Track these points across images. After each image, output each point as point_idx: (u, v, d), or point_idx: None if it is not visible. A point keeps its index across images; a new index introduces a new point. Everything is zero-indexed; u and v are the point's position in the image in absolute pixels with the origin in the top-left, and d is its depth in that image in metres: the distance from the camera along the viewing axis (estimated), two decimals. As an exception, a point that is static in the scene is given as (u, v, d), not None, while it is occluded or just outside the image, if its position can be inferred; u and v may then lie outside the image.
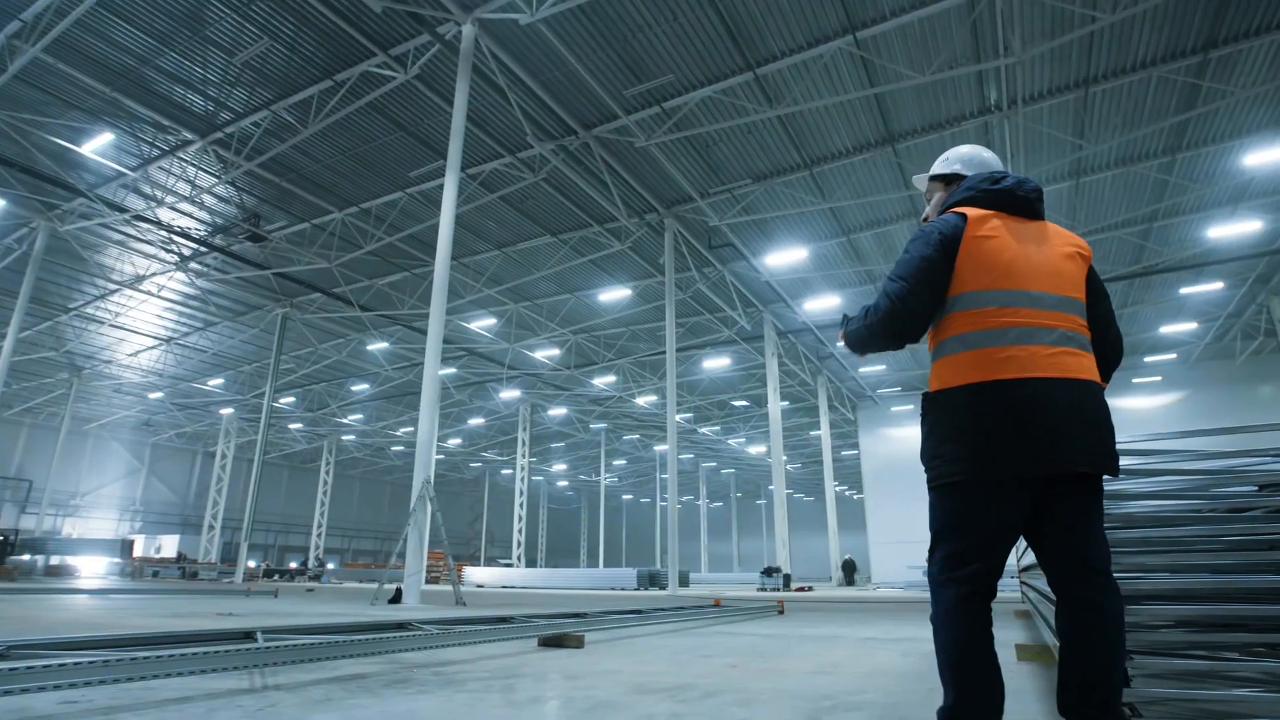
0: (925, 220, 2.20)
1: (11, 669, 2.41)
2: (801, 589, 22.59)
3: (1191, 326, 25.31)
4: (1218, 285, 21.66)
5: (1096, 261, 20.43)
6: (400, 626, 4.51)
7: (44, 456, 36.34)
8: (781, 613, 9.43)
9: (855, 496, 55.17)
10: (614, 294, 23.36)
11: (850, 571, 34.22)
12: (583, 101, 14.43)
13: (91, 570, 30.42)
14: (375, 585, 16.66)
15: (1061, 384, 1.73)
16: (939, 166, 2.26)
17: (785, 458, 50.79)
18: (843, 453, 46.10)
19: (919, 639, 5.63)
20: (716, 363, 30.04)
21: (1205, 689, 1.71)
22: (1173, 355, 28.38)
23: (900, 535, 31.89)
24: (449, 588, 15.79)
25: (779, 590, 21.01)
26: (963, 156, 2.20)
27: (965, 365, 1.79)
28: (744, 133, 15.40)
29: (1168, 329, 25.70)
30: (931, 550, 1.84)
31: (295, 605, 10.32)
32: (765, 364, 24.76)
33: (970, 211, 1.93)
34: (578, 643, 4.73)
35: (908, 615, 9.09)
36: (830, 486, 31.46)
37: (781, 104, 14.09)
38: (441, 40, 12.58)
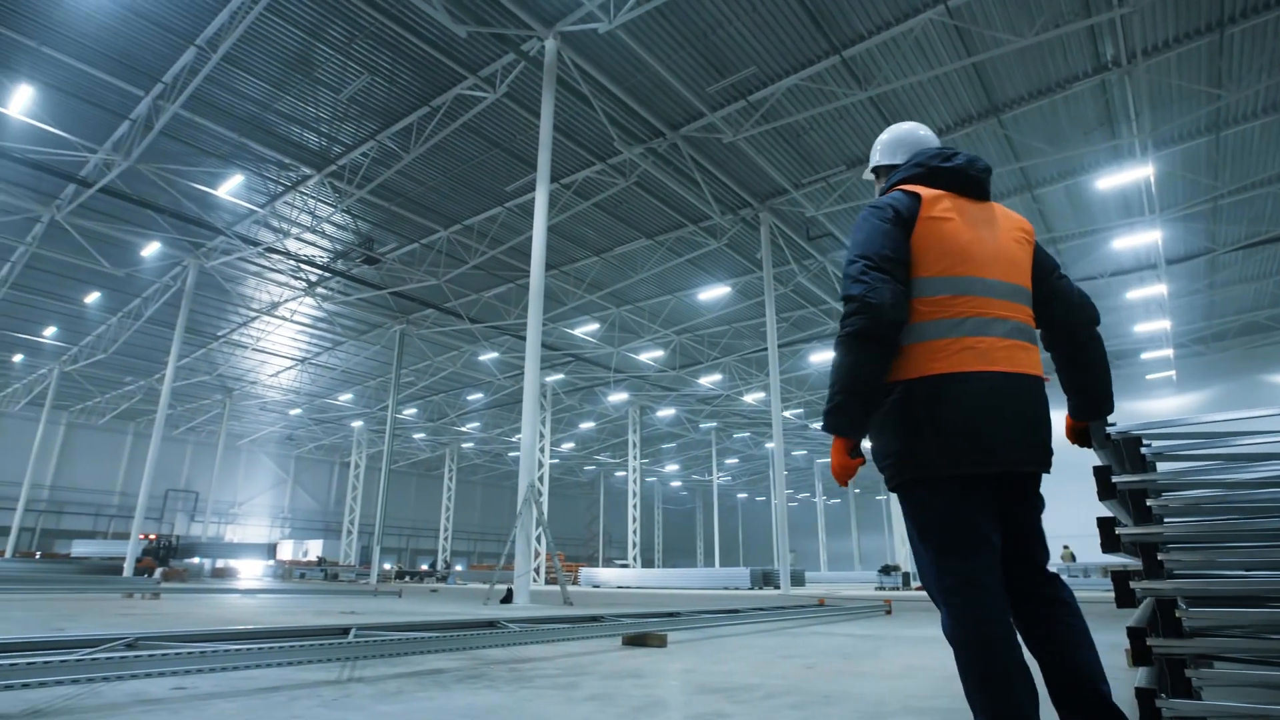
0: None
1: (122, 657, 2.70)
2: (921, 587, 21.58)
3: (1374, 288, 22.22)
4: (1405, 239, 18.91)
5: (1247, 224, 18.55)
6: (489, 625, 4.68)
7: (206, 470, 40.51)
8: (889, 613, 9.05)
9: (983, 490, 52.01)
10: (714, 292, 23.26)
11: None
12: (667, 102, 14.47)
13: (249, 572, 33.48)
14: (486, 586, 17.36)
15: (1015, 379, 1.66)
16: (881, 157, 2.11)
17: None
18: (966, 444, 43.63)
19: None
20: (824, 356, 29.24)
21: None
22: (1353, 322, 25.01)
23: (1033, 531, 29.81)
24: (566, 587, 16.11)
25: (898, 589, 20.17)
26: (901, 140, 2.05)
27: (922, 356, 1.67)
28: (835, 118, 14.93)
29: (1344, 293, 22.68)
30: (923, 560, 1.69)
31: (412, 605, 10.92)
32: (873, 355, 23.86)
33: (923, 191, 1.79)
34: (659, 642, 4.74)
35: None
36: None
37: (872, 84, 13.55)
38: (526, 57, 12.98)
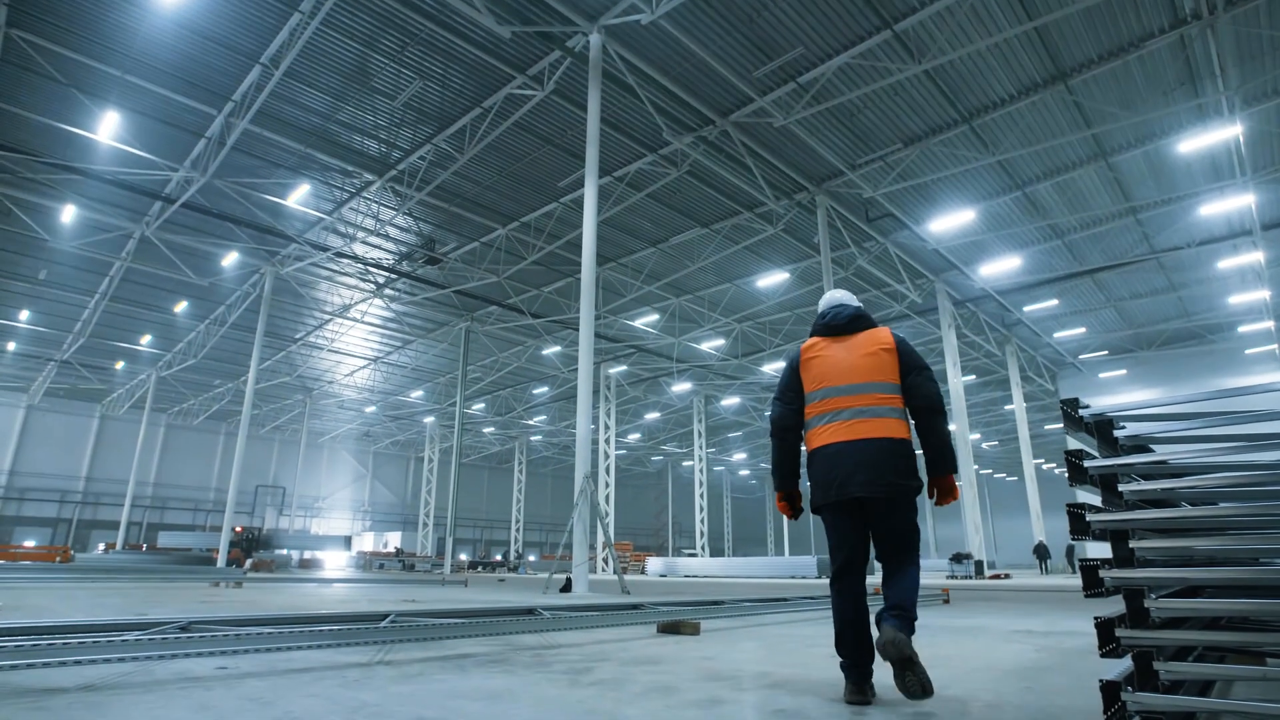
0: None
1: (175, 638, 2.93)
2: (997, 576, 20.82)
3: None
4: None
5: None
6: (527, 612, 4.82)
7: (291, 466, 42.71)
8: (946, 602, 8.80)
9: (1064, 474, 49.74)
10: (772, 279, 22.97)
11: (1069, 556, 31.07)
12: (714, 89, 14.35)
13: (333, 563, 35.16)
14: (546, 575, 17.71)
15: (852, 444, 2.66)
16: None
17: (978, 435, 46.96)
18: (1045, 426, 41.83)
19: (1077, 632, 5.03)
20: (889, 340, 28.48)
21: (1269, 700, 1.41)
22: None
23: (1121, 517, 28.36)
24: (629, 576, 16.53)
25: (970, 577, 19.56)
26: (820, 306, 3.11)
27: (811, 438, 2.79)
28: (889, 95, 14.49)
29: None
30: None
31: (473, 593, 11.26)
32: (942, 337, 23.12)
33: (805, 342, 2.98)
34: (693, 630, 4.78)
35: (1092, 606, 8.07)
36: (1029, 464, 28.68)
37: (927, 57, 13.08)
38: (571, 53, 13.10)
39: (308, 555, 35.25)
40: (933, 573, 31.93)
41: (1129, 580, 1.53)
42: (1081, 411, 1.71)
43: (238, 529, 29.81)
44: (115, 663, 2.75)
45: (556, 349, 29.79)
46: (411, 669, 3.14)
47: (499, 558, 44.81)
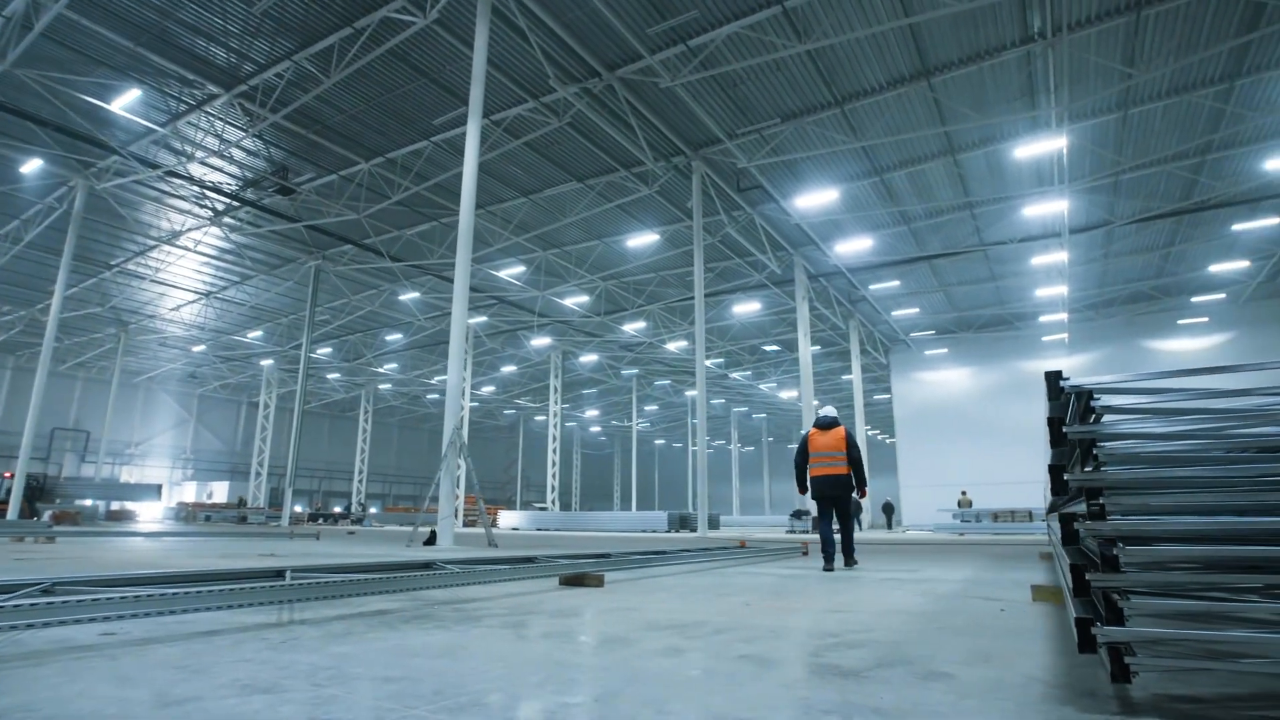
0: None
1: (50, 603, 2.55)
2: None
3: (1243, 265, 24.29)
4: (1274, 220, 20.67)
5: (1143, 199, 19.53)
6: (426, 566, 4.64)
7: (98, 409, 37.94)
8: (805, 554, 9.53)
9: (889, 441, 54.93)
10: (642, 239, 23.17)
11: (889, 514, 34.40)
12: (605, 41, 14.08)
13: (149, 515, 31.95)
14: (410, 528, 17.20)
15: (826, 477, 6.98)
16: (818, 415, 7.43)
17: (817, 403, 50.70)
18: (875, 397, 45.79)
19: (940, 579, 5.65)
20: (747, 307, 29.80)
21: (1207, 629, 1.67)
22: (1222, 295, 27.35)
23: (931, 479, 31.86)
24: (484, 530, 16.27)
25: (807, 533, 21.23)
26: (819, 414, 7.28)
27: (810, 470, 7.11)
28: (773, 69, 14.91)
29: (1217, 268, 24.72)
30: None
31: (334, 547, 10.72)
32: (796, 308, 24.49)
33: (810, 430, 7.25)
34: (598, 582, 4.84)
35: (931, 556, 9.10)
36: (861, 431, 31.35)
37: (811, 38, 13.57)
38: (459, -19, 12.29)
39: (116, 506, 31.76)
40: (771, 527, 34.22)
41: (1102, 531, 1.74)
42: (1062, 383, 1.90)
43: (7, 475, 25.94)
44: (-15, 629, 2.35)
45: (415, 295, 28.48)
46: (334, 628, 2.95)
47: (338, 510, 42.73)
